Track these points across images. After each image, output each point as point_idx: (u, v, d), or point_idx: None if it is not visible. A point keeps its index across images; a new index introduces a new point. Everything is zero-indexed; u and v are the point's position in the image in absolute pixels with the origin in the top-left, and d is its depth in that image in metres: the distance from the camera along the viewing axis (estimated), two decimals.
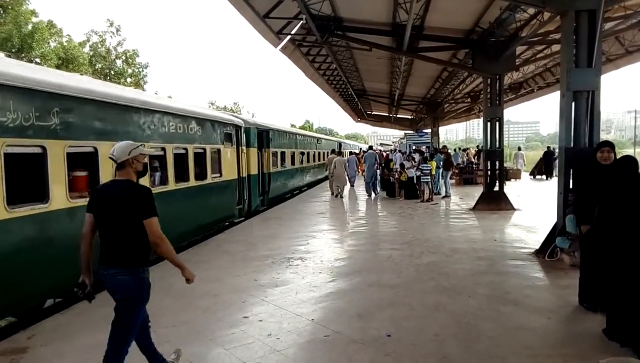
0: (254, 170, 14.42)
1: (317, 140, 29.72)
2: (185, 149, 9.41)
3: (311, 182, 26.05)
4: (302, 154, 23.29)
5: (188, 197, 9.57)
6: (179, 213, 8.97)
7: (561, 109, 7.56)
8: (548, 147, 26.39)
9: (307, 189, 24.22)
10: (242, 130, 13.18)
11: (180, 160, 9.28)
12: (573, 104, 7.44)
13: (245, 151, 13.48)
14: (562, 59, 7.82)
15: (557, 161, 23.77)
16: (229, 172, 11.93)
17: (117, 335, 3.43)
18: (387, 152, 30.10)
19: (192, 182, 9.73)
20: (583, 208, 5.15)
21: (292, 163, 20.72)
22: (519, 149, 30.82)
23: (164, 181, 8.69)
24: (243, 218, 13.18)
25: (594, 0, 7.15)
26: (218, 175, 11.14)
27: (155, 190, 7.83)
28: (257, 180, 14.78)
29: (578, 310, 5.25)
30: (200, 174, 10.28)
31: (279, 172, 18.08)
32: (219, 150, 11.20)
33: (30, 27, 25.35)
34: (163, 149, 8.55)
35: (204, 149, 10.41)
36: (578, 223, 5.34)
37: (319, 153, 29.04)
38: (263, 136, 15.75)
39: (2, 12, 25.13)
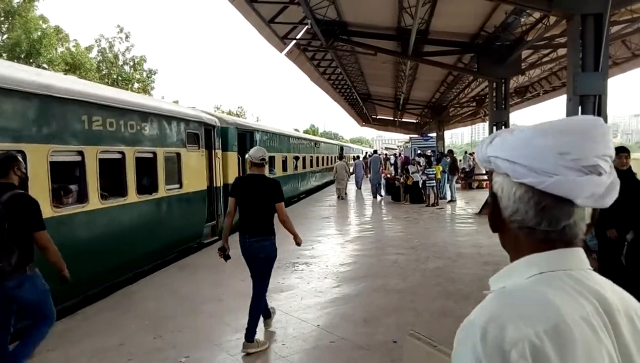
0: (234, 179, 12.58)
1: (316, 144, 27.30)
2: (122, 154, 7.08)
3: (308, 189, 23.71)
4: (297, 158, 20.72)
5: (124, 218, 7.18)
6: (108, 241, 6.68)
7: (567, 113, 7.52)
8: None
9: (305, 197, 22.46)
10: (216, 131, 10.88)
11: (113, 168, 7.12)
12: (580, 108, 7.40)
13: (220, 156, 11.17)
14: (569, 63, 7.79)
15: None
16: (195, 182, 9.56)
17: (259, 284, 4.72)
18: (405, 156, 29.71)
19: (133, 198, 7.36)
20: (603, 214, 5.09)
21: (284, 169, 18.38)
22: None
23: (81, 198, 6.28)
24: (217, 237, 10.53)
25: (601, 4, 7.13)
26: (177, 186, 8.86)
27: (64, 211, 5.87)
28: None
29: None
30: (148, 186, 8.02)
31: None
32: (178, 155, 8.92)
33: (39, 33, 25.60)
34: (80, 153, 6.18)
35: (154, 153, 8.03)
36: (601, 229, 5.22)
37: (318, 158, 26.67)
38: (246, 138, 13.54)
39: (10, 18, 25.40)
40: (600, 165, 0.83)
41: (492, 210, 0.96)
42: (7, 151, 4.50)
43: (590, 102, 7.35)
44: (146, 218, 7.83)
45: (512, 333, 0.76)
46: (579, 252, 0.89)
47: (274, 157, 16.80)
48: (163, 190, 8.34)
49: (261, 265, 4.69)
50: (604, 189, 0.84)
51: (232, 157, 12.24)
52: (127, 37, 32.59)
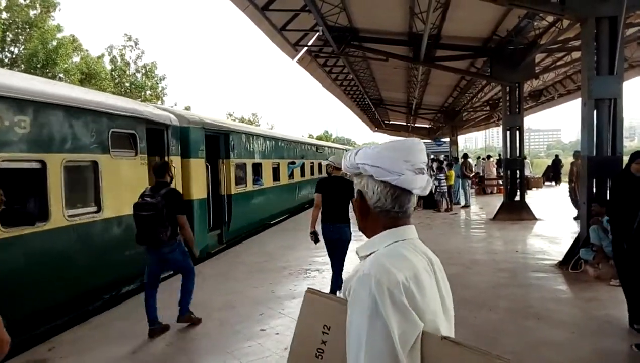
0: (200, 193, 9.33)
1: (317, 149, 23.71)
2: None
3: (306, 201, 19.99)
4: (293, 164, 17.67)
5: None
6: None
7: (583, 117, 7.42)
8: (556, 156, 27.63)
9: (302, 211, 18.79)
10: (172, 132, 8.32)
11: None
12: (595, 112, 7.30)
13: (179, 164, 8.56)
14: (583, 67, 7.69)
15: (563, 168, 25.47)
16: (128, 202, 5.87)
17: (339, 260, 6.01)
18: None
19: None
20: (622, 223, 4.88)
21: (276, 178, 15.35)
22: (524, 158, 30.48)
23: None
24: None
25: (615, 7, 7.02)
26: (91, 209, 6.27)
27: None
28: (205, 208, 9.59)
29: (604, 325, 5.09)
30: (28, 213, 5.39)
31: (250, 193, 12.53)
32: (94, 164, 6.31)
33: (55, 42, 26.05)
34: None
35: (42, 163, 5.43)
36: (618, 239, 4.99)
37: (320, 164, 23.04)
38: (219, 141, 10.77)
39: (28, 29, 25.91)
40: (423, 168, 1.34)
41: (359, 202, 1.40)
42: None
43: (606, 106, 7.25)
44: (24, 262, 5.12)
45: (393, 278, 1.17)
46: (413, 228, 1.38)
47: (260, 164, 13.66)
48: (61, 217, 5.65)
49: (342, 246, 5.98)
50: (425, 183, 1.34)
51: (197, 165, 9.31)
52: (136, 44, 32.83)
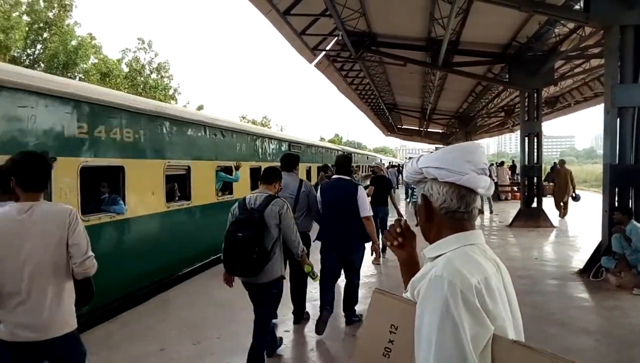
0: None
1: (289, 146, 14.46)
2: None
3: None
4: (227, 172, 9.82)
5: None
6: None
7: (605, 126, 7.41)
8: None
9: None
10: None
11: None
12: (618, 120, 7.28)
13: None
14: (606, 75, 7.67)
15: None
16: None
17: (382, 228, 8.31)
18: None
19: None
20: None
21: (184, 196, 8.32)
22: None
23: None
24: None
25: None
26: None
27: None
28: None
29: (629, 334, 5.08)
30: None
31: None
32: None
33: (74, 42, 26.41)
34: None
35: None
36: None
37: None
38: None
39: (47, 29, 26.31)
40: (485, 168, 1.36)
41: (424, 206, 1.42)
42: None
43: (629, 114, 7.23)
44: None
45: (466, 282, 1.19)
46: (480, 232, 1.39)
47: (120, 169, 6.48)
48: None
49: (384, 219, 9.23)
50: (489, 184, 1.36)
51: None
52: (150, 46, 33.12)
